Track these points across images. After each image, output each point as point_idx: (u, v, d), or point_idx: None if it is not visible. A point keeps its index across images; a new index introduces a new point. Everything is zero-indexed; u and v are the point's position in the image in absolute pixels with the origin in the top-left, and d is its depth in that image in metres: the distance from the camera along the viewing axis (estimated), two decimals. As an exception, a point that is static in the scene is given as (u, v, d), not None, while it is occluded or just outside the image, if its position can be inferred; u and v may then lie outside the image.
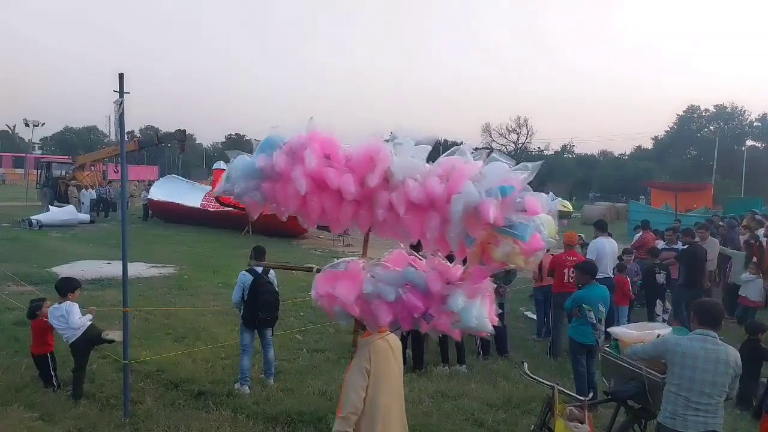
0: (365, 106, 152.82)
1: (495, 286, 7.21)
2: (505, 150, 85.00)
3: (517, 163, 2.66)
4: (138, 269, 11.76)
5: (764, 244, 10.26)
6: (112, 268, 11.47)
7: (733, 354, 3.51)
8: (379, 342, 3.11)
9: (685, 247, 9.29)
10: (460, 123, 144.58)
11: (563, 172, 74.26)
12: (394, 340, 3.24)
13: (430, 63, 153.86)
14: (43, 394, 5.39)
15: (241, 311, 5.92)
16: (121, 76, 4.95)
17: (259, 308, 5.76)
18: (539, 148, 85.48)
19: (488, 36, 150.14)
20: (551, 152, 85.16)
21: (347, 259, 3.14)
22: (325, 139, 2.87)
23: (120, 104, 4.99)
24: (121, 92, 4.96)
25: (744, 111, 72.44)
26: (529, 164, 2.59)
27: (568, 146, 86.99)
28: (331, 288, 2.93)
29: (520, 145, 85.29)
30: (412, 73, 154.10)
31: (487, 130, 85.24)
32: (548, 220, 2.54)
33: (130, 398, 5.11)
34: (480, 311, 2.72)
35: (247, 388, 5.70)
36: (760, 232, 12.61)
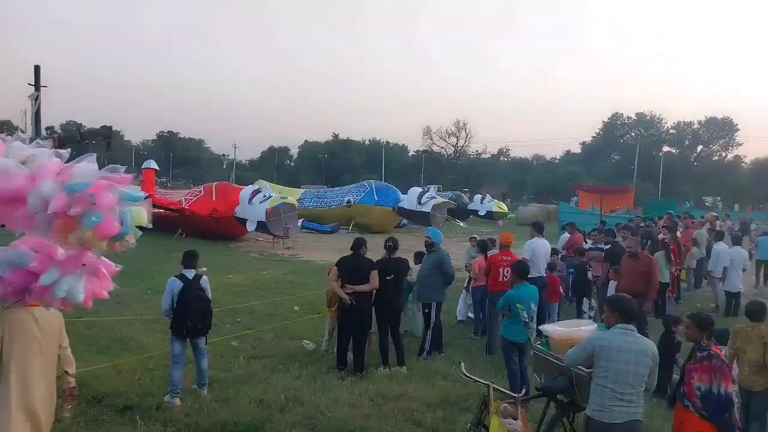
0: (307, 107, 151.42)
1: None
2: (445, 152, 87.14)
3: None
4: (59, 276, 11.02)
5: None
6: (29, 276, 10.66)
7: (652, 346, 3.76)
8: (17, 313, 3.50)
9: (608, 246, 9.81)
10: (402, 125, 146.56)
11: (499, 175, 76.83)
12: (42, 314, 3.58)
13: (372, 65, 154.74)
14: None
15: (170, 320, 5.66)
16: (37, 68, 4.66)
17: (189, 316, 5.52)
18: (477, 151, 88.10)
19: (430, 40, 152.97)
20: (488, 155, 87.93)
21: None
22: None
23: (36, 98, 4.67)
24: (37, 85, 4.67)
25: (661, 119, 77.99)
26: (120, 167, 3.16)
27: (504, 150, 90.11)
28: None
29: (459, 148, 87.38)
30: (354, 74, 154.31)
31: (428, 132, 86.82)
32: (138, 211, 3.10)
33: (47, 416, 4.75)
34: (72, 285, 3.18)
35: (178, 400, 5.45)
36: (702, 230, 13.60)
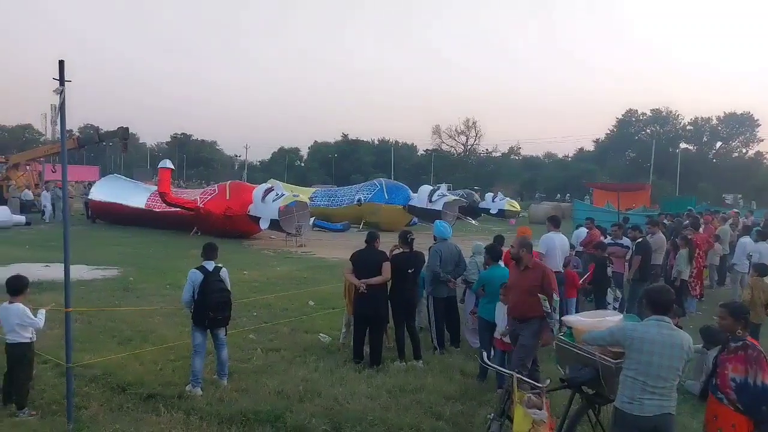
0: (316, 108, 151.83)
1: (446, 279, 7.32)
2: (454, 151, 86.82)
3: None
4: (79, 272, 11.17)
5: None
6: (50, 271, 10.85)
7: (687, 339, 3.60)
8: None
9: (640, 240, 9.69)
10: (410, 125, 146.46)
11: (511, 174, 76.32)
12: None
13: (381, 65, 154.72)
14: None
15: (192, 311, 5.72)
16: (61, 63, 4.68)
17: (210, 307, 5.57)
18: (487, 149, 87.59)
19: (439, 39, 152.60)
20: (498, 154, 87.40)
21: None
22: None
23: (60, 93, 4.71)
24: (61, 80, 4.68)
25: (678, 115, 76.64)
26: None
27: (515, 148, 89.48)
28: None
29: (468, 146, 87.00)
30: (362, 75, 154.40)
31: (437, 131, 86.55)
32: None
33: (73, 403, 4.83)
34: None
35: (199, 389, 5.51)
36: (725, 227, 13.46)
